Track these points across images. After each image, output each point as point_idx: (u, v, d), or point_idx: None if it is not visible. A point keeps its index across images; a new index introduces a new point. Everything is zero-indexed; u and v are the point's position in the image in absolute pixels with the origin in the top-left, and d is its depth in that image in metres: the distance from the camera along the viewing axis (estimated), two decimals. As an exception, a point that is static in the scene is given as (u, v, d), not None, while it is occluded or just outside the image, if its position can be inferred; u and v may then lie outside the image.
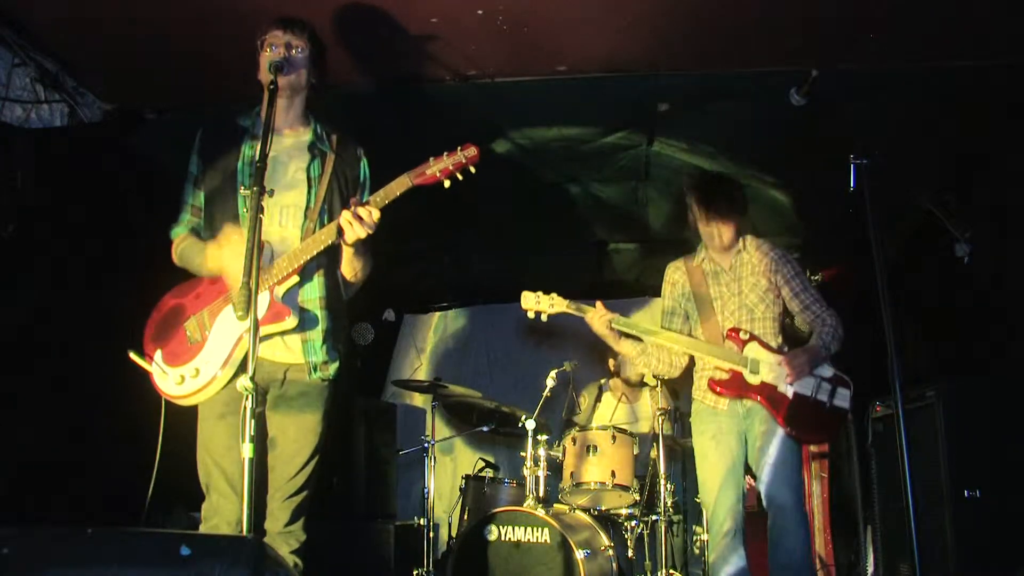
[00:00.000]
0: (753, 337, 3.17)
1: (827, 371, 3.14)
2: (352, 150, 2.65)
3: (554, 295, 3.29)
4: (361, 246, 2.49)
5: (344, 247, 2.48)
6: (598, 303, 3.25)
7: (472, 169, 2.44)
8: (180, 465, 2.48)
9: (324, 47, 2.62)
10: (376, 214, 2.37)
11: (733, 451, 3.15)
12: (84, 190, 3.43)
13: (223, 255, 2.37)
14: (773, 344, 3.17)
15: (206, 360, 2.39)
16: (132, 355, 2.47)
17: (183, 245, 2.55)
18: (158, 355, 2.45)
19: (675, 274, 3.43)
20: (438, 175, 2.42)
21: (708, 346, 3.20)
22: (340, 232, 2.38)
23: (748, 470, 3.21)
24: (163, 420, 2.46)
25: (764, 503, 3.08)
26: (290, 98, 2.54)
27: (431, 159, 2.43)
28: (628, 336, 3.32)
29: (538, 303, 3.28)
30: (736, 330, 3.18)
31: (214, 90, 2.63)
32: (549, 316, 3.28)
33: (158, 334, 2.49)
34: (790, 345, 3.22)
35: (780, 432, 3.05)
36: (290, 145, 2.55)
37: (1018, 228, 3.72)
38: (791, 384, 3.08)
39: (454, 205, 4.69)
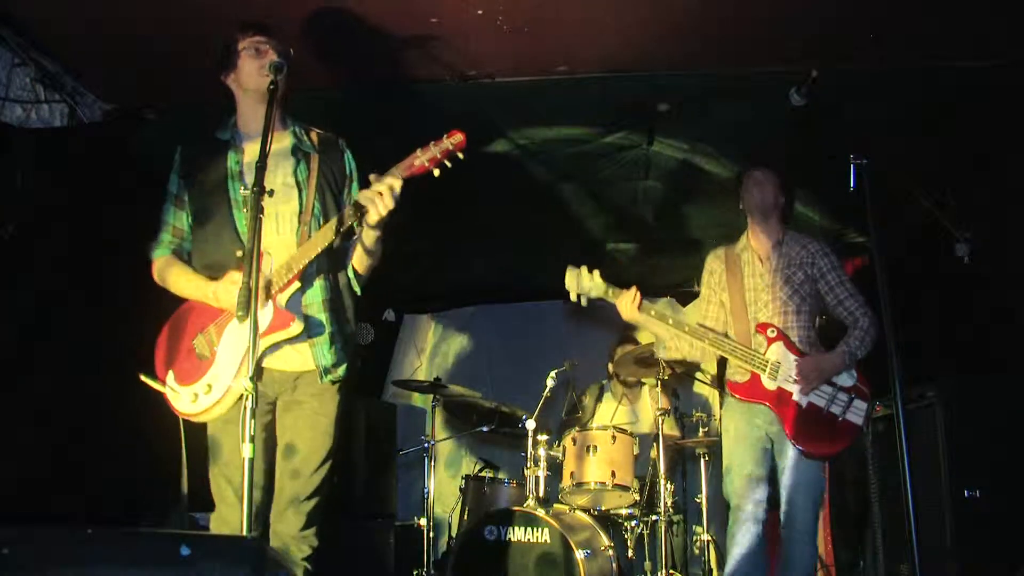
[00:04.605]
0: (781, 335, 3.12)
1: (848, 380, 3.07)
2: (334, 145, 2.64)
3: (596, 273, 3.18)
4: (380, 229, 2.47)
5: (364, 233, 2.47)
6: (633, 288, 3.19)
7: (460, 155, 2.40)
8: (179, 467, 2.48)
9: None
10: (398, 185, 2.35)
11: (759, 444, 3.11)
12: (84, 190, 3.43)
13: (221, 293, 2.36)
14: (803, 346, 3.12)
15: (217, 375, 2.37)
16: (143, 377, 2.46)
17: (168, 271, 2.52)
18: (170, 376, 2.44)
19: (714, 262, 3.41)
20: (426, 165, 2.38)
21: (732, 344, 3.14)
22: (363, 212, 2.36)
23: (772, 474, 3.17)
24: (183, 437, 2.45)
25: (782, 520, 3.08)
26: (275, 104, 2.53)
27: (418, 150, 2.40)
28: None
29: (579, 281, 3.16)
30: (766, 326, 3.15)
31: (214, 90, 2.63)
32: (588, 300, 3.19)
33: (168, 355, 2.48)
34: (824, 345, 3.18)
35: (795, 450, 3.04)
36: (274, 151, 2.51)
37: (1018, 228, 3.72)
38: (805, 394, 3.05)
39: (454, 205, 4.72)
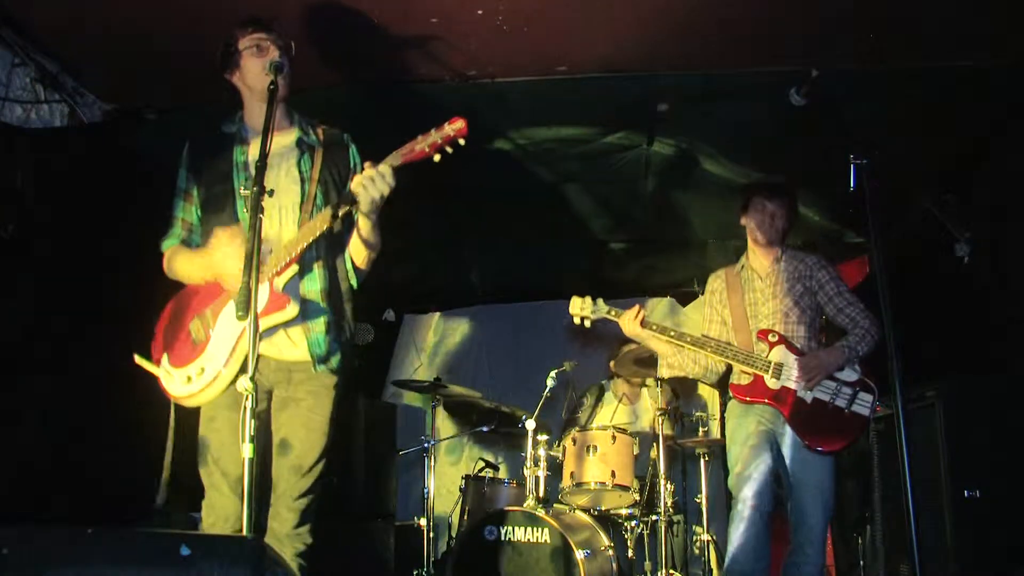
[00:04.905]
0: (783, 340, 3.17)
1: (851, 375, 3.11)
2: (338, 138, 2.66)
3: (600, 300, 3.40)
4: (375, 222, 2.49)
5: (360, 221, 2.48)
6: (636, 306, 3.34)
7: (461, 142, 2.40)
8: (180, 465, 2.48)
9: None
10: (388, 172, 2.37)
11: (762, 442, 3.13)
12: (84, 190, 3.43)
13: (215, 259, 2.38)
14: (804, 349, 3.16)
15: (210, 358, 2.39)
16: (137, 359, 2.48)
17: (175, 257, 2.55)
18: (164, 358, 2.46)
19: (715, 283, 3.49)
20: (427, 150, 2.39)
21: (734, 350, 3.20)
22: (353, 200, 2.38)
23: (778, 478, 3.17)
24: (172, 422, 2.45)
25: (791, 523, 3.10)
26: (276, 102, 2.54)
27: (419, 136, 2.41)
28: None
29: (582, 309, 3.38)
30: (766, 332, 3.20)
31: (214, 90, 2.63)
32: (592, 322, 3.40)
33: (165, 338, 2.50)
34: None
35: (804, 447, 3.06)
36: (279, 146, 2.54)
37: (1018, 228, 3.72)
38: (809, 389, 3.08)
39: (455, 205, 4.72)
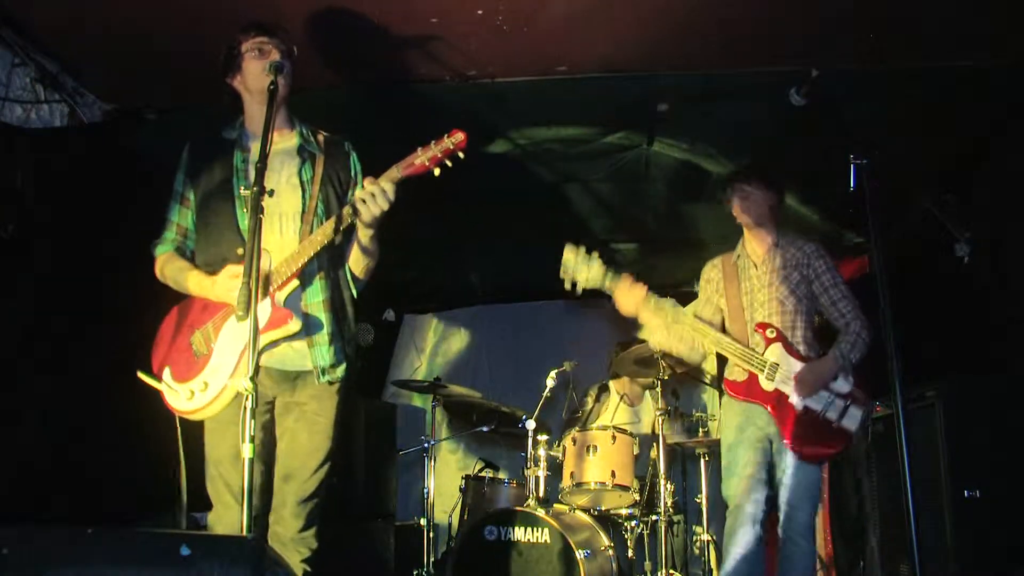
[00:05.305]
0: (780, 336, 3.15)
1: (844, 386, 3.09)
2: (340, 146, 2.65)
3: (596, 257, 2.98)
4: (375, 232, 2.50)
5: (360, 232, 2.49)
6: (625, 276, 3.04)
7: (461, 155, 2.40)
8: (177, 466, 2.48)
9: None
10: (389, 188, 2.38)
11: (759, 445, 3.13)
12: (84, 190, 3.43)
13: (217, 292, 2.38)
14: (800, 347, 3.15)
15: (213, 372, 2.38)
16: (141, 375, 2.47)
17: (169, 265, 2.54)
18: (166, 373, 2.44)
19: (711, 272, 3.46)
20: (427, 164, 2.39)
21: (729, 341, 3.18)
22: (355, 212, 2.39)
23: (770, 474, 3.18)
24: (180, 435, 2.45)
25: (781, 520, 3.10)
26: (278, 104, 2.53)
27: (419, 149, 2.41)
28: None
29: (576, 264, 2.95)
30: (765, 325, 3.18)
31: (214, 90, 2.63)
32: (583, 289, 2.99)
33: (165, 352, 2.49)
34: (821, 344, 3.21)
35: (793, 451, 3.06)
36: (279, 150, 2.53)
37: (1018, 228, 3.72)
38: (802, 397, 3.07)
39: (455, 205, 4.72)
